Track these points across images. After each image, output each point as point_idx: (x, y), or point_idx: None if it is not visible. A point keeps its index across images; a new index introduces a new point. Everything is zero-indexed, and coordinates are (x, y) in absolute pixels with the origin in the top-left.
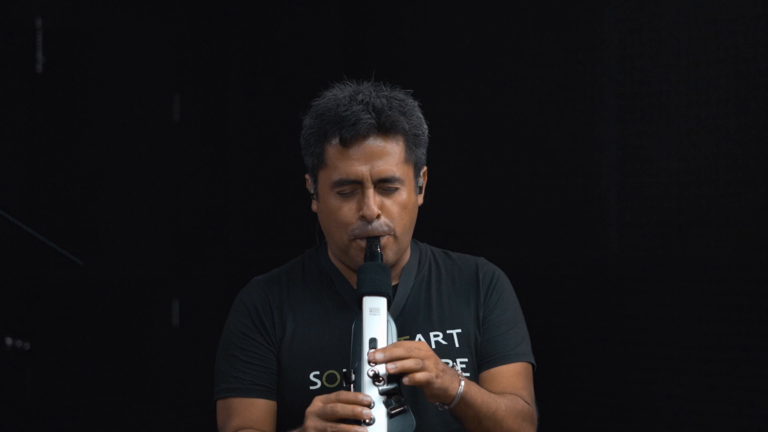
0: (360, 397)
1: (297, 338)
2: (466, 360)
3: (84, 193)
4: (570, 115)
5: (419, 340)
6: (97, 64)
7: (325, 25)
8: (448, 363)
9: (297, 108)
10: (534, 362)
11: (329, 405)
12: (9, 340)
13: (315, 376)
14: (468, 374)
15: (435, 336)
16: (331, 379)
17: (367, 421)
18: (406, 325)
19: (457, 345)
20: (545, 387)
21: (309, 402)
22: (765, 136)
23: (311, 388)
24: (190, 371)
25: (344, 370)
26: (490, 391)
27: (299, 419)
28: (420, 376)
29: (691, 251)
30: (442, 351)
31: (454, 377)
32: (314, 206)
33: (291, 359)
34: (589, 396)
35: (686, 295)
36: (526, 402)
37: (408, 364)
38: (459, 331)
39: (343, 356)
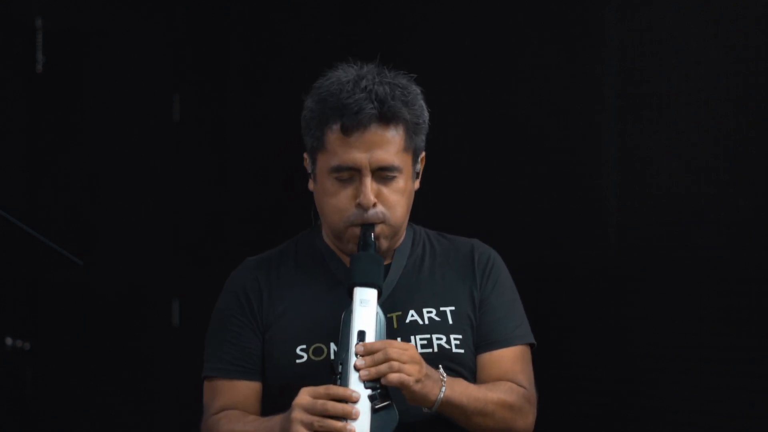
0: (349, 392)
1: (287, 314)
2: (459, 336)
3: (84, 193)
4: (570, 115)
5: (411, 316)
6: (97, 64)
7: (325, 25)
8: (441, 338)
9: (297, 108)
10: (533, 341)
11: (319, 402)
12: (9, 340)
13: (301, 349)
14: (462, 350)
15: (428, 312)
16: (317, 352)
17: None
18: (398, 301)
19: (450, 321)
20: (545, 386)
21: (294, 376)
22: (765, 136)
23: (297, 361)
24: (190, 371)
25: (331, 361)
26: (488, 376)
27: (284, 395)
28: (393, 377)
29: (691, 251)
30: (435, 327)
31: (436, 382)
32: (311, 185)
33: (280, 334)
34: (589, 396)
35: (686, 295)
36: (523, 386)
37: (382, 369)
38: (452, 308)
39: (330, 330)
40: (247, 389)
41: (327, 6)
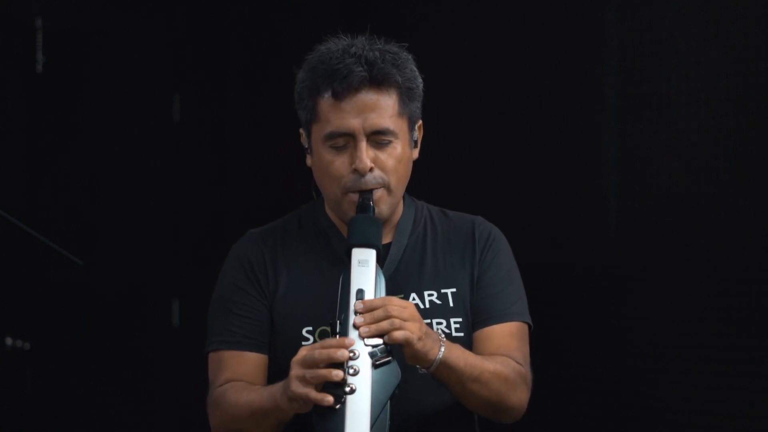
0: (343, 341)
1: (290, 292)
2: (460, 320)
3: (84, 193)
4: (570, 115)
5: (413, 299)
6: (97, 64)
7: (325, 25)
8: (441, 323)
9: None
10: (530, 322)
11: (309, 353)
12: (9, 340)
13: (307, 332)
14: (461, 334)
15: (429, 295)
16: (323, 335)
17: (350, 365)
18: (400, 283)
19: (451, 304)
20: (545, 386)
21: None
22: (765, 136)
23: (303, 343)
24: (190, 371)
25: (330, 321)
26: (483, 351)
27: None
28: (397, 334)
29: (691, 251)
30: (436, 310)
31: (435, 341)
32: (308, 161)
33: (284, 314)
34: (589, 396)
35: (686, 295)
36: (518, 363)
37: (383, 326)
38: (453, 290)
39: (335, 312)
40: (254, 361)
41: (327, 6)
